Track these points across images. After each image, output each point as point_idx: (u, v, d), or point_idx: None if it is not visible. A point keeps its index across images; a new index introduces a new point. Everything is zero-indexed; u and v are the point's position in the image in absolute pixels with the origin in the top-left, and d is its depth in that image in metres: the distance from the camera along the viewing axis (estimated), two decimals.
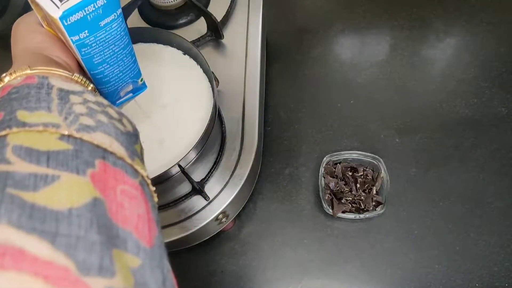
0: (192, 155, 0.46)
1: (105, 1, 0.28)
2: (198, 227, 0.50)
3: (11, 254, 0.15)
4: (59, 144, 0.20)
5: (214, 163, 0.53)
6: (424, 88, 0.72)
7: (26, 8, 0.76)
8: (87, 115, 0.23)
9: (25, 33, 0.31)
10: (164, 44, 0.52)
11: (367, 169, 0.64)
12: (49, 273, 0.15)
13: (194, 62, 0.51)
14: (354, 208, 0.61)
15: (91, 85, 0.29)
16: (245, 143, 0.54)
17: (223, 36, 0.61)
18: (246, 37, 0.61)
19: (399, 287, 0.58)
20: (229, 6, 0.63)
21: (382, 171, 0.62)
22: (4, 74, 0.25)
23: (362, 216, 0.60)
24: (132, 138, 0.25)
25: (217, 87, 0.54)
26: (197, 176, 0.51)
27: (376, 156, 0.63)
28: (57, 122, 0.21)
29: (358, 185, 0.63)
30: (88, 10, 0.28)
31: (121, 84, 0.36)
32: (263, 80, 0.62)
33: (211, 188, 0.52)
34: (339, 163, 0.64)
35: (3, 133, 0.20)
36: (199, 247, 0.59)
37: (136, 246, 0.19)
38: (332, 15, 0.81)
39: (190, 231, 0.50)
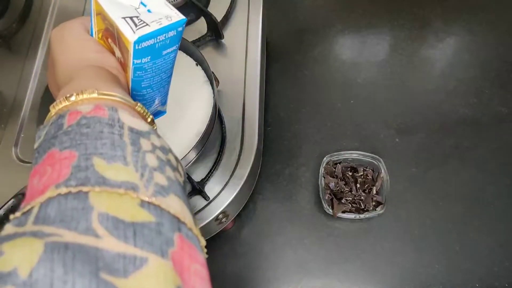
0: (192, 155, 0.46)
1: (175, 33, 0.29)
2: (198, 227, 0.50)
3: None
4: (142, 213, 0.20)
5: (214, 163, 0.53)
6: (424, 88, 0.72)
7: (27, 9, 0.76)
8: (159, 170, 0.23)
9: (76, 42, 0.31)
10: None
11: (367, 169, 0.64)
12: None
13: (194, 62, 0.51)
14: (354, 208, 0.61)
15: (150, 116, 0.29)
16: (245, 143, 0.54)
17: (223, 36, 0.61)
18: (246, 37, 0.61)
19: (399, 287, 0.58)
20: (229, 6, 0.63)
21: (382, 171, 0.62)
22: (68, 94, 0.25)
23: (362, 216, 0.60)
24: (185, 189, 0.25)
25: (217, 87, 0.54)
26: (197, 176, 0.51)
27: (376, 156, 0.63)
28: (135, 182, 0.21)
29: (358, 185, 0.63)
30: (159, 39, 0.28)
31: (153, 108, 0.37)
32: (263, 80, 0.62)
33: (211, 188, 0.52)
34: (339, 163, 0.64)
35: (85, 189, 0.20)
36: None
37: None
38: (332, 15, 0.81)
39: None
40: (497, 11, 0.78)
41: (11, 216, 0.20)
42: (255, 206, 0.65)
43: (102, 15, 0.30)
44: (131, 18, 0.28)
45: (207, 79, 0.50)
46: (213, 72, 0.50)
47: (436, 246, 0.60)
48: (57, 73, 0.30)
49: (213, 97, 0.47)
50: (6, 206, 0.40)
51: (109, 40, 0.31)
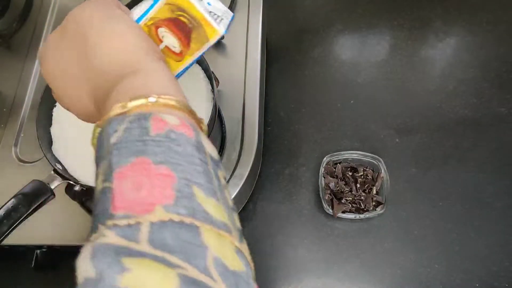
0: None
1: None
2: None
3: None
4: (237, 261, 0.20)
5: None
6: (424, 88, 0.72)
7: (27, 8, 0.76)
8: (235, 210, 0.23)
9: (126, 28, 0.30)
10: None
11: (367, 169, 0.64)
12: None
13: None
14: (354, 208, 0.61)
15: (205, 128, 0.28)
16: (245, 143, 0.54)
17: (223, 36, 0.60)
18: (246, 37, 0.62)
19: (399, 287, 0.58)
20: (229, 6, 0.63)
21: (382, 171, 0.62)
22: (143, 92, 0.24)
23: (362, 216, 0.60)
24: None
25: (217, 87, 0.54)
26: None
27: (376, 156, 0.63)
28: (228, 224, 0.21)
29: (358, 185, 0.63)
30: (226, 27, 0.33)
31: None
32: (263, 80, 0.62)
33: None
34: (339, 163, 0.64)
35: (197, 223, 0.19)
36: None
37: None
38: (332, 15, 0.81)
39: None
40: (497, 11, 0.78)
41: (109, 222, 0.19)
42: (255, 206, 0.65)
43: (176, 5, 0.31)
44: (207, 11, 0.32)
45: (207, 79, 0.50)
46: (213, 72, 0.50)
47: (436, 246, 0.60)
48: (97, 58, 0.29)
49: (213, 97, 0.47)
50: (6, 206, 0.40)
51: (160, 29, 0.32)
